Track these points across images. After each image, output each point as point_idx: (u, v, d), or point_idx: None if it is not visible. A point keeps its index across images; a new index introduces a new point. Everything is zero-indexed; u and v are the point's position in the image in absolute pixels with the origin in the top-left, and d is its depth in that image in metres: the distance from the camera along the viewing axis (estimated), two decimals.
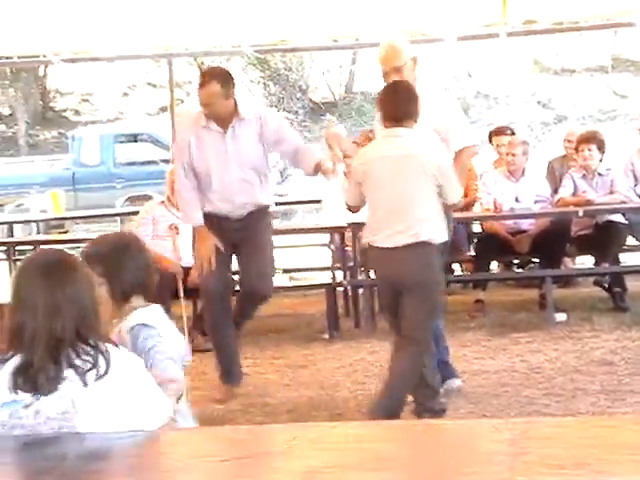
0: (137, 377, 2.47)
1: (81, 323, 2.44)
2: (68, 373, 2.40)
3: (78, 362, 2.40)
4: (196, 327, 7.03)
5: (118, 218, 11.22)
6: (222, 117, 5.35)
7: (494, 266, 8.25)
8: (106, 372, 2.41)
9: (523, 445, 1.87)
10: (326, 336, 7.05)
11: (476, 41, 11.36)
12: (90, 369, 2.41)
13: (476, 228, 8.54)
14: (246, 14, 8.84)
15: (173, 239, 7.13)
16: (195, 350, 6.74)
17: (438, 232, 4.71)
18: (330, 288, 7.39)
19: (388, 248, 4.70)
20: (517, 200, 7.53)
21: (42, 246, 8.63)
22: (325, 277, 8.39)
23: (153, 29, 9.15)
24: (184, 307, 6.90)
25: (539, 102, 21.14)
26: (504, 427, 2.02)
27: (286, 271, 9.17)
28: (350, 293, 7.77)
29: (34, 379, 2.38)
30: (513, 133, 8.55)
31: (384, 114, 4.83)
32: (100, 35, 9.32)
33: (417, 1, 8.70)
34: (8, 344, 2.45)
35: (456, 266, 8.69)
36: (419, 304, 4.65)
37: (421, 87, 5.14)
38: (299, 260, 9.90)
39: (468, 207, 8.14)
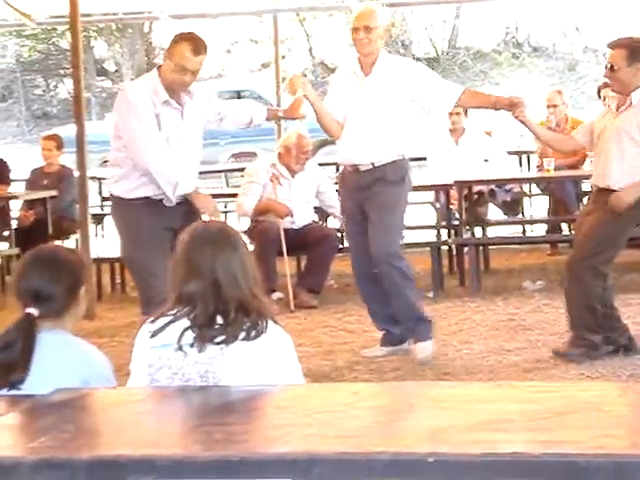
0: (281, 352, 2.62)
1: (246, 292, 2.62)
2: (225, 332, 2.58)
3: (237, 324, 2.58)
4: (301, 284, 7.09)
5: (223, 174, 11.33)
6: (185, 90, 4.96)
7: None
8: (255, 338, 2.57)
9: None
10: (431, 294, 7.01)
11: None
12: (245, 333, 2.57)
13: (585, 187, 8.34)
14: None
15: (274, 188, 7.18)
16: (300, 307, 6.83)
17: None
18: (435, 247, 7.34)
19: None
20: None
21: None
22: (427, 235, 8.31)
23: None
24: (288, 264, 6.97)
25: None
26: (631, 390, 1.98)
27: None
28: (455, 252, 7.71)
29: (201, 336, 2.57)
30: None
31: None
32: None
33: None
34: (175, 302, 2.63)
35: (564, 226, 8.54)
36: None
37: (388, 59, 5.37)
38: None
39: (577, 165, 7.97)
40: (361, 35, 5.22)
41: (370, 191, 5.27)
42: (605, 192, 5.15)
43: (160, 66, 4.96)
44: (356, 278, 5.59)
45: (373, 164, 5.27)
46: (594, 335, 5.14)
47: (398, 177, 5.32)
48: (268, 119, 5.34)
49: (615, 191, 5.08)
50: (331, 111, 5.33)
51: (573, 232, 8.38)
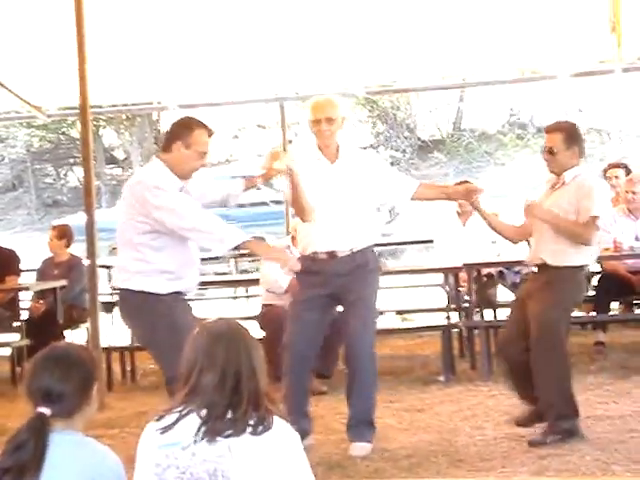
0: (289, 451, 2.60)
1: (254, 389, 2.60)
2: (234, 425, 2.56)
3: (245, 417, 2.57)
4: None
5: (232, 260, 11.37)
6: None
7: (614, 306, 8.04)
8: (261, 433, 2.54)
9: None
10: (442, 379, 6.97)
11: (590, 77, 11.19)
12: (252, 427, 2.55)
13: (595, 268, 8.34)
14: (354, 57, 8.92)
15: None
16: (311, 393, 6.75)
17: None
18: (446, 330, 7.31)
19: None
20: (637, 239, 7.36)
21: None
22: (436, 318, 8.29)
23: (264, 73, 9.31)
24: None
25: None
26: None
27: (399, 312, 9.11)
28: (465, 334, 7.69)
29: (211, 429, 2.55)
30: (628, 169, 8.37)
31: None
32: (211, 81, 9.53)
33: (527, 38, 8.62)
34: (185, 395, 2.61)
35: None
36: None
37: (349, 148, 5.41)
38: (409, 300, 9.83)
39: None
40: (324, 127, 5.25)
41: (349, 277, 5.23)
42: (542, 270, 5.21)
43: (159, 156, 4.93)
44: (296, 366, 5.34)
45: (352, 250, 5.27)
46: (568, 421, 5.12)
47: (377, 264, 5.41)
48: (247, 189, 5.25)
49: (550, 266, 5.14)
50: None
51: (585, 312, 8.38)
